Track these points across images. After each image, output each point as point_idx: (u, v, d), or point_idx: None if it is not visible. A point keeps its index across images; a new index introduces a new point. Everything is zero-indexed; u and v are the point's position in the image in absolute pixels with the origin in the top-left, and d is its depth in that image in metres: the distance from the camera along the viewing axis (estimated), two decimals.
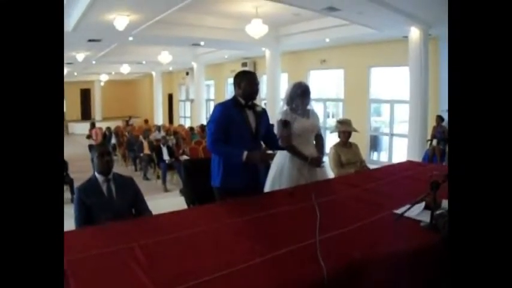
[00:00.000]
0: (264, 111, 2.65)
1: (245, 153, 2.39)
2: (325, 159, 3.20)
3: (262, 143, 2.67)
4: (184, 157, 7.84)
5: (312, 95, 3.02)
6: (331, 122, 11.46)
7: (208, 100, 15.57)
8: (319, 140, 3.10)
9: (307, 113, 3.00)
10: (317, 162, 2.90)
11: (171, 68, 16.31)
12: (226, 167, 2.47)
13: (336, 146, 3.66)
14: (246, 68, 11.61)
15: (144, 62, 13.66)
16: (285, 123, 2.87)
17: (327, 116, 10.95)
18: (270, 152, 2.53)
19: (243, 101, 2.53)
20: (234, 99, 2.55)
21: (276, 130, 3.05)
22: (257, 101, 2.67)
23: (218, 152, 2.47)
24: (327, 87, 11.27)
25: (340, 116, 10.04)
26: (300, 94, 2.91)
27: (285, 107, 3.02)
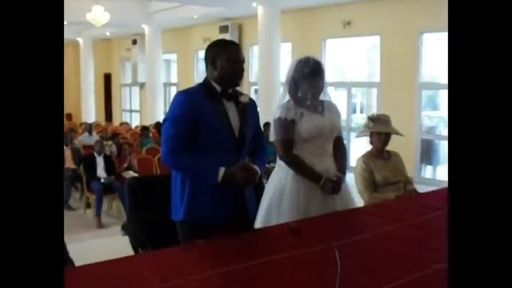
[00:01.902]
0: (252, 103, 2.68)
1: (222, 169, 2.42)
2: (349, 177, 3.24)
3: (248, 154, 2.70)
4: (131, 173, 7.79)
5: (329, 78, 3.07)
6: (359, 120, 11.61)
7: (167, 85, 15.59)
8: (340, 148, 3.14)
9: (321, 106, 3.05)
10: (336, 184, 2.95)
11: (108, 33, 16.25)
12: (194, 191, 2.49)
13: (367, 157, 3.71)
14: (226, 36, 11.67)
15: (65, 23, 13.50)
16: (285, 123, 2.91)
17: (352, 110, 11.09)
18: (255, 167, 2.53)
19: (219, 88, 2.56)
20: (205, 85, 2.58)
21: (271, 133, 3.09)
22: (242, 88, 2.70)
23: (180, 168, 2.50)
24: (352, 64, 11.40)
25: (374, 111, 10.17)
26: (308, 76, 2.96)
27: (287, 97, 3.08)
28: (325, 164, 3.00)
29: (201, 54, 14.29)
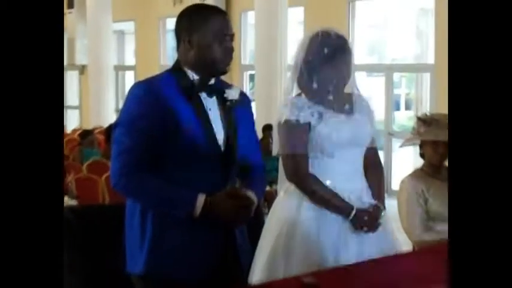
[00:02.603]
0: (244, 100, 2.72)
1: (201, 197, 2.44)
2: (390, 205, 3.23)
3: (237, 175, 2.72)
4: (66, 201, 7.77)
5: (359, 59, 3.09)
6: (405, 120, 11.60)
7: (120, 68, 15.60)
8: (375, 166, 3.18)
9: (348, 103, 3.08)
10: (372, 217, 2.96)
11: None
12: (159, 230, 2.50)
13: (417, 176, 3.71)
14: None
15: None
16: (297, 128, 2.93)
17: (394, 105, 11.12)
18: (250, 194, 2.55)
19: (196, 77, 2.58)
20: (176, 73, 2.61)
21: (274, 143, 3.09)
22: (231, 75, 2.70)
23: (139, 195, 2.52)
24: (394, 39, 11.41)
25: (426, 107, 10.19)
26: (328, 58, 2.98)
27: (295, 90, 3.11)
28: (355, 188, 3.02)
29: (170, 23, 14.48)
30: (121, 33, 16.10)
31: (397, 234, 3.21)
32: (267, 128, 9.15)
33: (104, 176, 8.17)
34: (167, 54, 14.43)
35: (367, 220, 2.94)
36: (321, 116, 2.97)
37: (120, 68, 15.48)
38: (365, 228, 2.94)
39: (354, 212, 2.92)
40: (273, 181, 8.50)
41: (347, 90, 3.10)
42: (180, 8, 2.71)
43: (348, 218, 2.93)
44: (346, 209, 2.93)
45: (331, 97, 3.01)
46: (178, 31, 2.59)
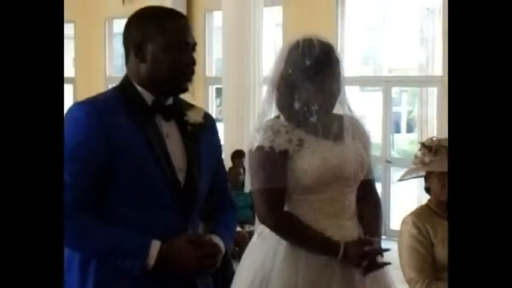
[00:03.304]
0: (209, 123, 2.73)
1: (155, 244, 2.43)
2: (391, 250, 3.23)
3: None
4: None
5: (350, 70, 3.10)
6: (406, 145, 11.60)
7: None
8: (371, 202, 3.20)
9: (337, 125, 3.09)
10: (368, 248, 2.96)
11: None
12: (103, 285, 2.49)
13: (421, 216, 3.72)
14: None
15: None
16: (272, 158, 2.94)
17: (393, 126, 11.15)
18: (216, 240, 2.57)
19: (150, 97, 2.59)
20: (125, 91, 2.61)
21: (248, 177, 3.08)
22: (194, 90, 2.69)
23: (79, 241, 2.49)
24: (393, 46, 11.45)
25: (433, 130, 10.21)
26: (312, 71, 2.99)
27: (273, 110, 3.14)
28: (345, 232, 3.03)
29: (119, 25, 14.41)
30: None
31: (398, 286, 3.22)
32: (238, 155, 9.11)
33: None
34: (114, 63, 14.36)
35: (362, 251, 2.92)
36: (301, 142, 2.99)
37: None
38: (358, 263, 2.93)
39: (342, 247, 2.92)
40: (246, 221, 8.52)
41: (336, 110, 3.11)
42: (130, 8, 2.69)
43: (336, 258, 2.92)
44: (332, 247, 2.93)
45: (315, 119, 3.01)
46: (128, 40, 2.58)
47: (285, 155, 2.96)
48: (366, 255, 2.93)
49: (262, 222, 3.04)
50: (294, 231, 2.98)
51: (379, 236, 3.12)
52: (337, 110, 3.15)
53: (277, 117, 3.08)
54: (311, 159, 2.97)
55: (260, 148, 2.96)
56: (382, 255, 3.03)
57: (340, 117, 3.11)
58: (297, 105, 3.01)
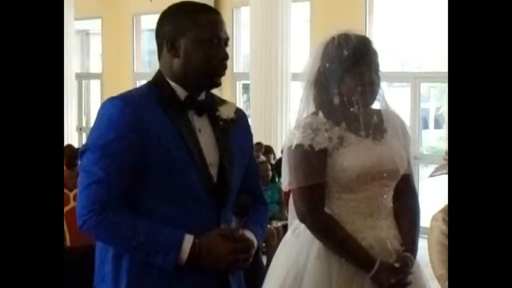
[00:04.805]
0: (241, 118, 2.74)
1: (189, 239, 2.44)
2: (420, 248, 3.22)
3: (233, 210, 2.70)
4: None
5: (381, 66, 3.06)
6: (435, 141, 11.54)
7: (83, 77, 15.52)
8: (409, 200, 3.16)
9: (376, 121, 3.07)
10: (399, 274, 2.93)
11: None
12: (137, 278, 2.50)
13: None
14: None
15: None
16: (311, 156, 2.94)
17: (421, 122, 11.08)
18: (248, 234, 2.57)
19: (183, 92, 2.60)
20: (158, 87, 2.62)
21: (284, 174, 3.11)
22: (220, 88, 2.70)
23: (113, 236, 2.50)
24: (421, 42, 11.36)
25: None
26: (351, 62, 2.97)
27: (309, 107, 3.12)
28: (380, 232, 3.01)
29: (147, 22, 14.43)
30: (85, 34, 16.12)
31: (430, 283, 3.22)
32: (266, 151, 9.09)
33: (64, 210, 8.13)
34: (142, 59, 14.43)
35: (392, 278, 2.89)
36: (341, 140, 2.96)
37: (84, 76, 15.49)
38: (388, 286, 2.90)
39: (376, 266, 2.89)
40: (273, 217, 8.52)
41: (373, 106, 3.09)
42: (158, 4, 2.70)
43: (368, 274, 2.91)
44: (367, 261, 2.91)
45: (355, 114, 2.98)
46: (160, 35, 2.59)
47: (324, 153, 2.94)
48: (397, 284, 2.92)
49: (302, 221, 3.01)
50: (332, 236, 2.95)
51: (415, 242, 3.09)
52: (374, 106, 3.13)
53: (315, 113, 3.04)
54: (350, 157, 2.95)
55: (299, 146, 2.94)
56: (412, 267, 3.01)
57: (379, 112, 3.10)
58: (336, 100, 2.99)
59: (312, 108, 3.08)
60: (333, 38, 3.00)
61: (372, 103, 3.05)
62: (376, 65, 3.01)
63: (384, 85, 3.13)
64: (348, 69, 2.95)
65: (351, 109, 2.97)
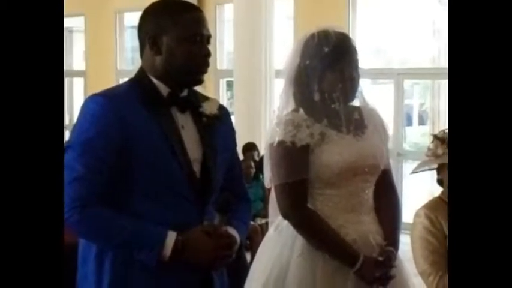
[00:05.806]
0: (224, 115, 2.74)
1: (171, 235, 2.44)
2: (403, 244, 3.23)
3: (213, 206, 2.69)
4: None
5: (361, 63, 3.06)
6: (418, 137, 11.56)
7: (66, 74, 15.44)
8: (389, 195, 3.19)
9: (356, 118, 3.09)
10: (383, 267, 2.95)
11: None
12: (119, 276, 2.49)
13: (433, 208, 3.68)
14: None
15: None
16: (293, 152, 2.94)
17: (405, 119, 11.22)
18: (231, 231, 2.58)
19: (165, 89, 2.60)
20: (140, 84, 2.62)
21: (265, 169, 3.14)
22: (203, 85, 2.71)
23: (95, 233, 2.51)
24: (404, 39, 11.40)
25: (446, 123, 10.13)
26: (331, 58, 2.98)
27: (290, 104, 3.12)
28: (362, 226, 3.03)
29: (130, 19, 14.41)
30: (68, 31, 16.03)
31: (413, 279, 3.23)
32: (249, 148, 9.05)
33: None
34: (125, 56, 14.36)
35: (376, 272, 2.91)
36: (322, 136, 2.97)
37: (67, 74, 15.35)
38: (372, 280, 2.91)
39: (360, 261, 2.91)
40: (257, 214, 8.50)
41: (353, 103, 3.11)
42: (141, 1, 2.69)
43: (352, 269, 2.91)
44: (350, 257, 2.92)
45: (336, 111, 2.99)
46: (143, 33, 2.59)
47: (306, 149, 2.94)
48: (380, 278, 2.93)
49: (285, 217, 3.01)
50: (316, 232, 2.97)
51: (397, 235, 3.11)
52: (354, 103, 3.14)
53: (295, 110, 3.06)
54: (331, 154, 2.96)
55: (281, 143, 2.95)
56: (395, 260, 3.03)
57: (359, 109, 3.11)
58: (316, 97, 3.00)
59: (292, 105, 3.08)
60: (312, 35, 3.02)
61: (352, 100, 3.06)
62: (356, 62, 3.03)
63: (367, 82, 3.13)
64: (328, 65, 2.96)
65: (332, 106, 2.97)
